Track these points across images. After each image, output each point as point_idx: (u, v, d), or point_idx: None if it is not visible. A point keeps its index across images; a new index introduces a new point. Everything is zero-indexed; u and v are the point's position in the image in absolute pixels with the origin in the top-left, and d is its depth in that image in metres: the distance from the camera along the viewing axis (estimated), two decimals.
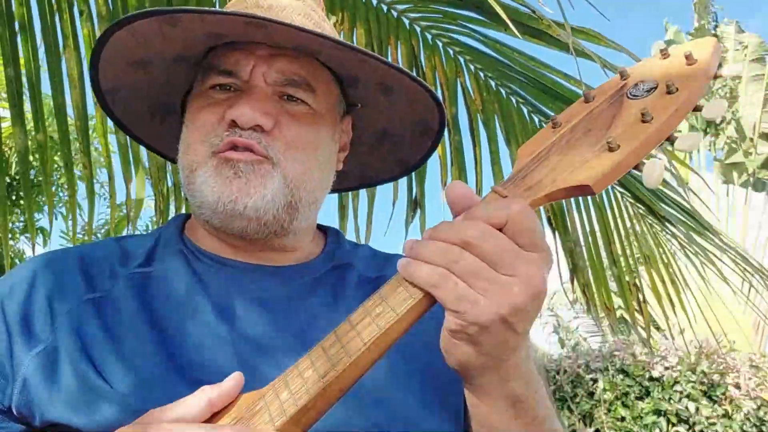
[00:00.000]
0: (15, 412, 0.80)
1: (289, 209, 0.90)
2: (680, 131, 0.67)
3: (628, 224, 2.73)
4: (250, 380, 0.77)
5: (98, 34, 1.90)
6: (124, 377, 0.78)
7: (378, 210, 2.47)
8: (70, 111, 1.97)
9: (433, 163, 2.46)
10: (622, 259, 2.73)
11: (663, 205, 2.64)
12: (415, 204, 2.45)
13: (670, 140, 0.68)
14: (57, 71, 1.92)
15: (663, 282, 2.77)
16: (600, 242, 2.72)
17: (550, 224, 2.67)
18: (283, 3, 0.97)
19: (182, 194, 2.12)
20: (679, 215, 2.68)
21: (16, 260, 5.58)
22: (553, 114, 2.41)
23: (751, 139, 10.21)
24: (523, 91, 2.43)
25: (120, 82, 1.02)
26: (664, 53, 0.71)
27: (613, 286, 2.80)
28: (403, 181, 2.44)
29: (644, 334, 2.86)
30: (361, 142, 1.10)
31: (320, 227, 1.06)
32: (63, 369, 0.79)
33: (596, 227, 2.71)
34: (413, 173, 2.43)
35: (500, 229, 0.65)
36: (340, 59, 0.96)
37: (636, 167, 0.69)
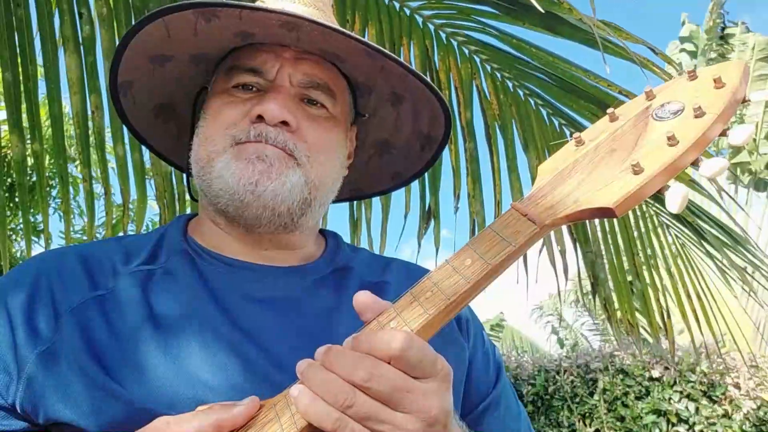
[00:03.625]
0: (19, 410, 0.85)
1: (302, 204, 0.98)
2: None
3: (653, 234, 2.76)
4: (253, 381, 0.84)
5: (99, 36, 1.94)
6: (128, 376, 0.83)
7: (388, 223, 2.51)
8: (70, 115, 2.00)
9: (446, 171, 2.50)
10: (645, 271, 2.75)
11: (694, 217, 2.65)
12: (428, 215, 2.48)
13: (695, 165, 0.71)
14: (54, 78, 1.96)
15: (688, 297, 2.79)
16: (623, 254, 2.73)
17: (571, 234, 2.70)
18: (309, 11, 1.03)
19: (185, 204, 2.17)
20: (709, 226, 2.69)
21: (19, 261, 5.67)
22: (573, 115, 2.46)
23: (754, 139, 10.36)
24: (542, 91, 2.46)
25: (135, 75, 1.08)
26: (692, 75, 0.74)
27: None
28: (415, 192, 2.48)
29: (668, 349, 2.88)
30: (360, 153, 1.18)
31: (320, 231, 1.13)
32: (68, 367, 0.83)
33: (619, 238, 2.73)
34: (426, 183, 2.48)
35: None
36: (361, 67, 1.05)
37: (659, 191, 0.72)
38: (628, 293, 2.77)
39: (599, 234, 2.70)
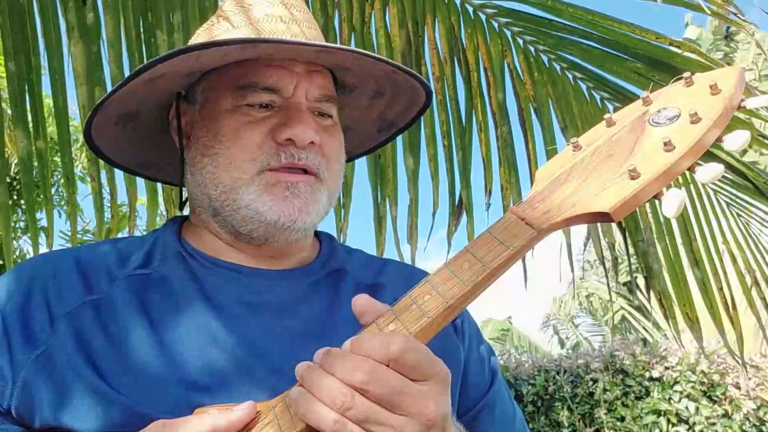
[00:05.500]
0: (14, 414, 0.94)
1: (324, 215, 1.10)
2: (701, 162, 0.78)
3: (711, 214, 2.69)
4: (250, 385, 0.93)
5: (104, 22, 2.00)
6: (124, 380, 0.92)
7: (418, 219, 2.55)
8: (74, 112, 2.09)
9: (477, 162, 2.53)
10: (705, 257, 2.67)
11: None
12: (460, 210, 2.52)
13: (692, 170, 0.78)
14: (59, 68, 2.01)
15: (756, 283, 2.71)
16: (678, 240, 2.68)
17: (619, 224, 2.66)
18: (298, 16, 1.13)
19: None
20: None
21: (19, 260, 5.88)
22: (617, 81, 2.47)
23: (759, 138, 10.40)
24: (582, 60, 2.47)
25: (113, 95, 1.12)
26: (688, 81, 0.82)
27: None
28: (444, 188, 2.53)
29: (737, 350, 2.75)
30: None
31: (315, 233, 1.22)
32: (63, 372, 0.91)
33: (673, 222, 2.68)
34: (456, 174, 2.51)
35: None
36: (362, 74, 1.17)
37: (656, 195, 0.79)
38: (686, 284, 2.71)
39: (651, 221, 2.65)
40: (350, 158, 1.36)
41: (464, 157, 2.54)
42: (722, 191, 2.70)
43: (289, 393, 0.81)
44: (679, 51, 2.24)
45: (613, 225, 2.70)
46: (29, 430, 0.94)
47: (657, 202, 0.80)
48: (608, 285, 3.18)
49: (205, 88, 1.12)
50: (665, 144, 0.78)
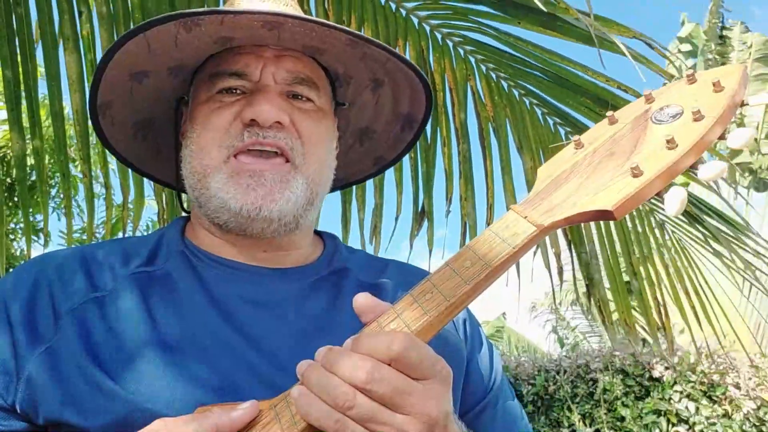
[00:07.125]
0: (19, 410, 0.86)
1: (307, 205, 0.99)
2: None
3: (649, 232, 2.74)
4: (251, 382, 0.85)
5: (98, 35, 1.94)
6: (127, 376, 0.84)
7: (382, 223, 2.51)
8: (70, 113, 1.98)
9: (440, 174, 2.51)
10: (642, 270, 2.72)
11: (691, 206, 2.61)
12: (422, 216, 2.48)
13: (694, 168, 0.72)
14: (55, 75, 1.94)
15: (687, 293, 2.77)
16: (619, 254, 2.73)
17: (566, 235, 2.69)
18: (280, 8, 1.05)
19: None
20: (709, 217, 2.66)
21: (21, 260, 5.71)
22: (570, 112, 2.47)
23: (756, 139, 10.47)
24: (538, 90, 2.47)
25: (114, 95, 1.08)
26: (691, 78, 0.75)
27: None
28: (408, 193, 2.50)
29: (665, 350, 2.86)
30: (341, 142, 1.19)
31: (317, 232, 1.14)
32: (67, 368, 0.85)
33: (615, 238, 2.71)
34: (420, 184, 2.48)
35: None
36: (341, 57, 1.07)
37: (657, 194, 0.73)
38: (624, 293, 2.75)
39: (594, 235, 2.68)
40: (388, 165, 1.28)
41: (428, 169, 2.51)
42: (657, 210, 2.75)
43: (291, 391, 0.73)
44: (625, 95, 2.23)
45: (560, 235, 2.72)
46: (34, 426, 0.87)
47: (651, 201, 0.73)
48: (553, 292, 3.18)
49: (194, 87, 1.07)
50: (668, 142, 0.71)
